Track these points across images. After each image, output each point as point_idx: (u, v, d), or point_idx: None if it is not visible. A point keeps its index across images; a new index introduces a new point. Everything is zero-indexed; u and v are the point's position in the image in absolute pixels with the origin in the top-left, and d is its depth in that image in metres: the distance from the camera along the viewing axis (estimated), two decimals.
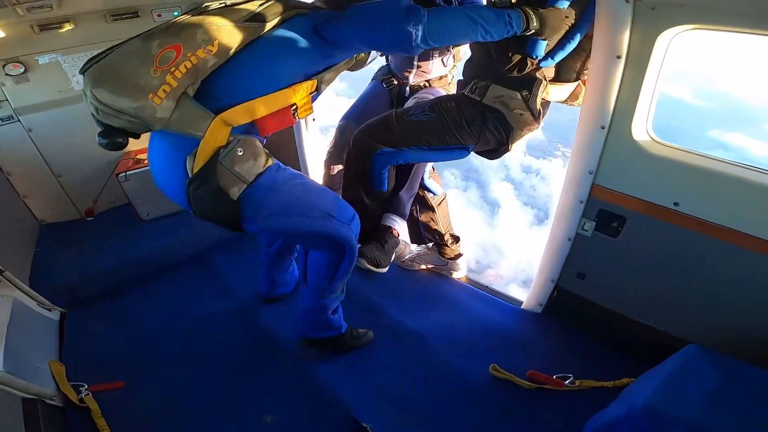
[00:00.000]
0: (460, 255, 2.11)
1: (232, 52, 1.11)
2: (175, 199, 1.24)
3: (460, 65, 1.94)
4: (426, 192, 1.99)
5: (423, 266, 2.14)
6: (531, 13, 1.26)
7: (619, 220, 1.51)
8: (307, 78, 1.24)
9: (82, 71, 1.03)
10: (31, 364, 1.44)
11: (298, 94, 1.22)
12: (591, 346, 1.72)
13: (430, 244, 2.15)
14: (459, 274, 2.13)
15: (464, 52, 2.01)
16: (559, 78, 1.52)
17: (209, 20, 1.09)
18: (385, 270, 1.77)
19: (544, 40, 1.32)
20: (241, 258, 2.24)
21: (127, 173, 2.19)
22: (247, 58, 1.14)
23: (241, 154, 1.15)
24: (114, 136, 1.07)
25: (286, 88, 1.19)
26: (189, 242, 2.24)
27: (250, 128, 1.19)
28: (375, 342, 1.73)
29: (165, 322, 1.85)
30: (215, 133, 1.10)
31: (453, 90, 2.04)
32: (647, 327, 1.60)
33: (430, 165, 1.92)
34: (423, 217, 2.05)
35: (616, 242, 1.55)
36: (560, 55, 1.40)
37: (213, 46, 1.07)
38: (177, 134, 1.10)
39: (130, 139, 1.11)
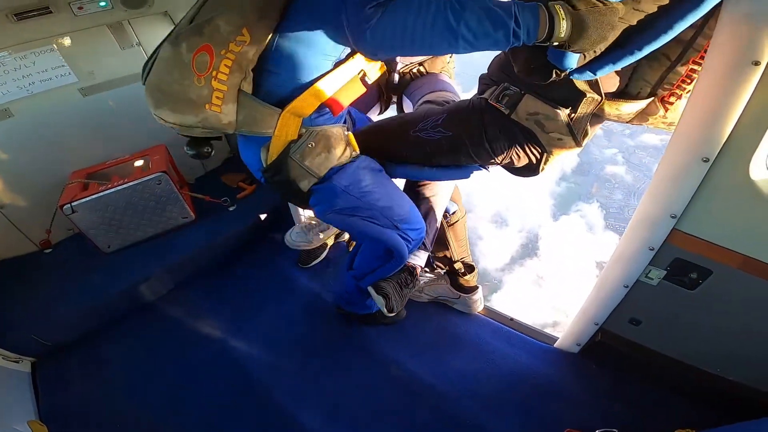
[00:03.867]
0: (475, 288, 1.74)
1: (270, 33, 0.95)
2: (260, 180, 1.22)
3: None
4: None
5: (430, 297, 1.80)
6: (560, 12, 0.76)
7: (701, 272, 1.12)
8: None
9: (144, 82, 0.96)
10: (8, 428, 1.30)
11: (364, 57, 1.04)
12: (636, 391, 1.48)
13: (441, 272, 1.79)
14: (474, 311, 1.78)
15: None
16: (625, 93, 1.02)
17: (229, 3, 0.91)
18: (393, 316, 1.46)
19: (577, 53, 0.82)
20: (223, 291, 1.96)
21: (73, 204, 1.77)
22: (293, 32, 0.95)
23: (312, 147, 1.08)
24: (200, 147, 1.06)
25: (349, 56, 1.03)
26: (161, 276, 1.93)
27: (321, 110, 1.07)
28: (383, 400, 1.50)
29: (144, 375, 1.65)
30: (285, 128, 1.03)
31: (452, 71, 1.63)
32: (710, 374, 1.35)
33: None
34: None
35: (691, 294, 1.18)
36: (607, 69, 0.88)
37: (243, 34, 0.92)
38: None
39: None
